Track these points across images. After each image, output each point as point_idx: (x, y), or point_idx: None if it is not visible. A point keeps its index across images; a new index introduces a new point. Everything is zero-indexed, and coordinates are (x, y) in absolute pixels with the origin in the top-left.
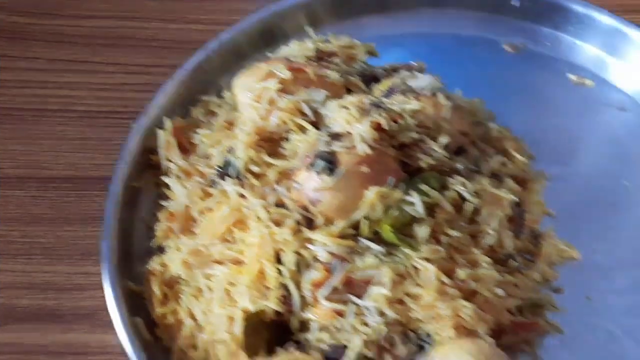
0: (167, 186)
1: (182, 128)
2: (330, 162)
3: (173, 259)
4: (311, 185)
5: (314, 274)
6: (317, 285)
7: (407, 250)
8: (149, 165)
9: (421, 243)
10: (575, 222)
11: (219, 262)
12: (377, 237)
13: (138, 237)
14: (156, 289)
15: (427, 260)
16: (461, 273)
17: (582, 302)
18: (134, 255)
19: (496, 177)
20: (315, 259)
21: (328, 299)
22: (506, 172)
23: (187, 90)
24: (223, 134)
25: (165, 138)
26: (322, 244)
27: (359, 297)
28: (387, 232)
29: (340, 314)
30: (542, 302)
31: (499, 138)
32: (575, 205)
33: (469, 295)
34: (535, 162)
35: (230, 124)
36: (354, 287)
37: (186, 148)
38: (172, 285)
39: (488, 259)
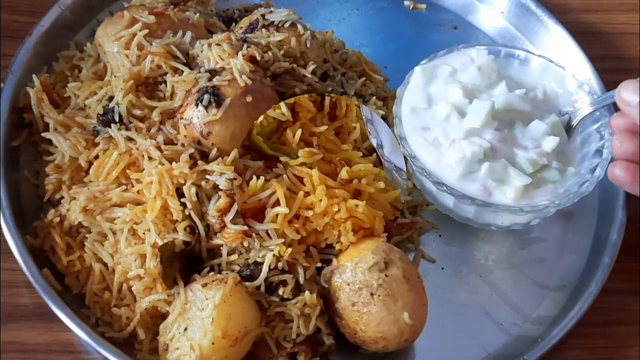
0: (46, 142)
1: (51, 84)
2: (215, 96)
3: (71, 208)
4: (200, 119)
5: (219, 202)
6: (223, 211)
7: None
8: (22, 124)
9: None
10: None
11: (120, 205)
12: None
13: (24, 196)
14: (59, 240)
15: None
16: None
17: None
18: (25, 213)
19: (360, 97)
20: (215, 188)
21: (233, 222)
22: (368, 92)
23: (46, 48)
24: (94, 84)
25: (36, 95)
26: (220, 174)
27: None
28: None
29: (247, 234)
30: (417, 202)
31: (357, 62)
32: None
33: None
34: (388, 83)
35: (97, 75)
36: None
37: (57, 103)
38: (72, 234)
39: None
